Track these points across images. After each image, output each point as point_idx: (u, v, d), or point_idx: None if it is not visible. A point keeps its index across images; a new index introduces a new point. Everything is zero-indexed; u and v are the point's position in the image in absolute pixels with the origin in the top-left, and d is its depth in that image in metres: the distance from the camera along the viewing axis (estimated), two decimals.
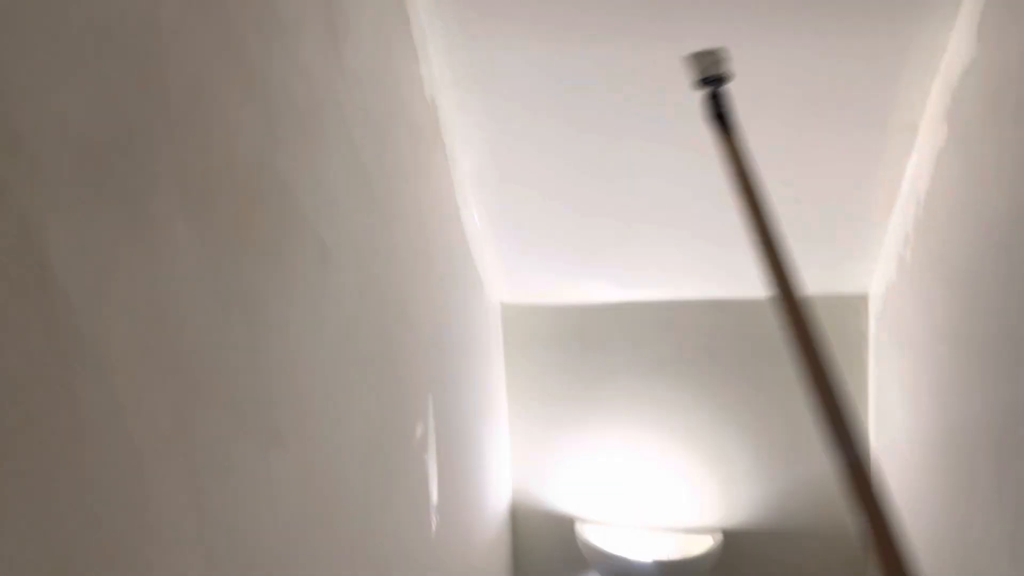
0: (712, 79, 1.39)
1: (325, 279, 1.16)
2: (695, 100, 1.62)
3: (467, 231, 2.13)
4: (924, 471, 1.87)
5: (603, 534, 2.52)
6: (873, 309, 2.31)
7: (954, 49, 1.59)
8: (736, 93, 1.81)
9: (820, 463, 2.45)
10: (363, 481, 1.30)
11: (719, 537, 2.47)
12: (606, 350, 2.56)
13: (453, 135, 1.94)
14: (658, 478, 2.55)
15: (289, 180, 1.06)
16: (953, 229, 1.64)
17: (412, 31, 1.63)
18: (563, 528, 2.65)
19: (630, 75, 1.78)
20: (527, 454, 2.67)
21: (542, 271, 2.46)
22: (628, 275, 2.42)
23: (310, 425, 1.09)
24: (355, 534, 1.27)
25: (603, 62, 1.76)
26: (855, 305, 2.36)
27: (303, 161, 1.11)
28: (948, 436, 1.71)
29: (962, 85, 1.56)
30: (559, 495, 2.66)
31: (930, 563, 1.85)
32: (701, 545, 2.43)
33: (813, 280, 2.33)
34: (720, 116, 1.36)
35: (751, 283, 2.39)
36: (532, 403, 2.65)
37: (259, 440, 0.96)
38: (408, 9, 1.61)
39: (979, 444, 1.52)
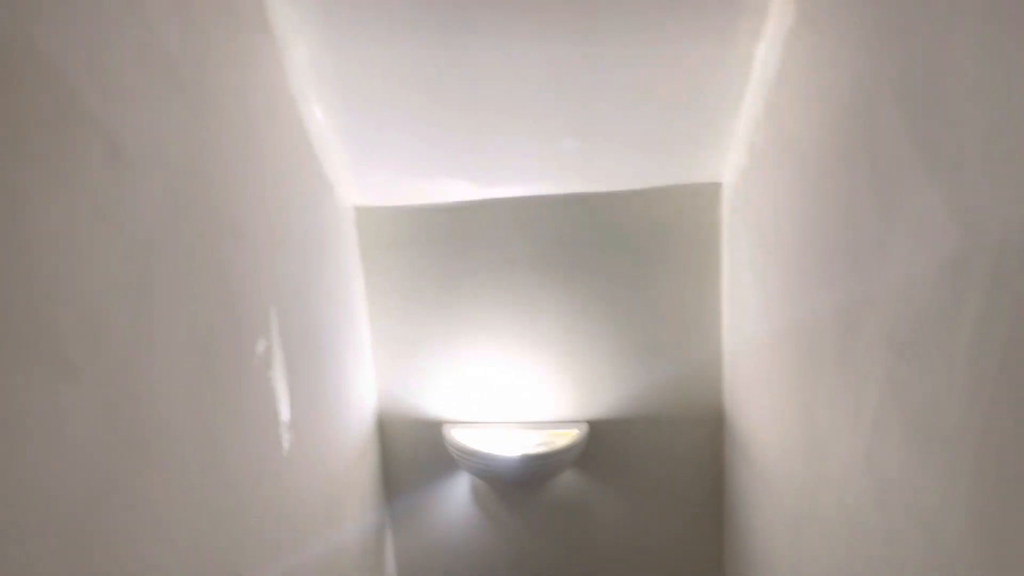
0: None
1: (117, 180, 1.00)
2: None
3: (308, 129, 1.96)
4: (776, 358, 1.94)
5: (471, 435, 2.51)
6: (726, 197, 2.33)
7: None
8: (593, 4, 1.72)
9: (678, 352, 2.52)
10: (191, 409, 1.18)
11: (584, 428, 2.52)
12: (467, 251, 2.49)
13: (282, 18, 1.74)
14: (524, 376, 2.55)
15: (58, 61, 0.89)
16: (801, 113, 1.63)
17: None
18: (432, 432, 2.62)
19: None
20: (392, 361, 2.60)
21: (396, 172, 2.32)
22: (485, 172, 2.32)
23: (111, 353, 0.96)
24: (187, 467, 1.16)
25: None
26: (709, 194, 2.38)
27: (76, 38, 0.93)
28: (797, 324, 1.75)
29: None
30: (426, 400, 2.62)
31: (782, 446, 1.94)
32: (566, 437, 2.47)
33: (667, 170, 2.33)
34: None
35: (609, 176, 2.36)
36: (394, 309, 2.56)
37: (42, 374, 0.83)
38: None
39: (824, 331, 1.56)
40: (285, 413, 1.63)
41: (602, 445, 2.59)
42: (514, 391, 2.56)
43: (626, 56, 1.91)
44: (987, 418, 0.99)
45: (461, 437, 2.50)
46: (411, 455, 2.68)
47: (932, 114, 1.09)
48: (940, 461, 1.11)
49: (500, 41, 1.85)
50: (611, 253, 2.45)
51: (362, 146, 2.20)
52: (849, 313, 1.42)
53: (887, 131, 1.22)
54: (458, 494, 2.70)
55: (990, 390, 0.98)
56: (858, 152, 1.34)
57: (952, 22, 1.02)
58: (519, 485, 2.58)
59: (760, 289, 2.03)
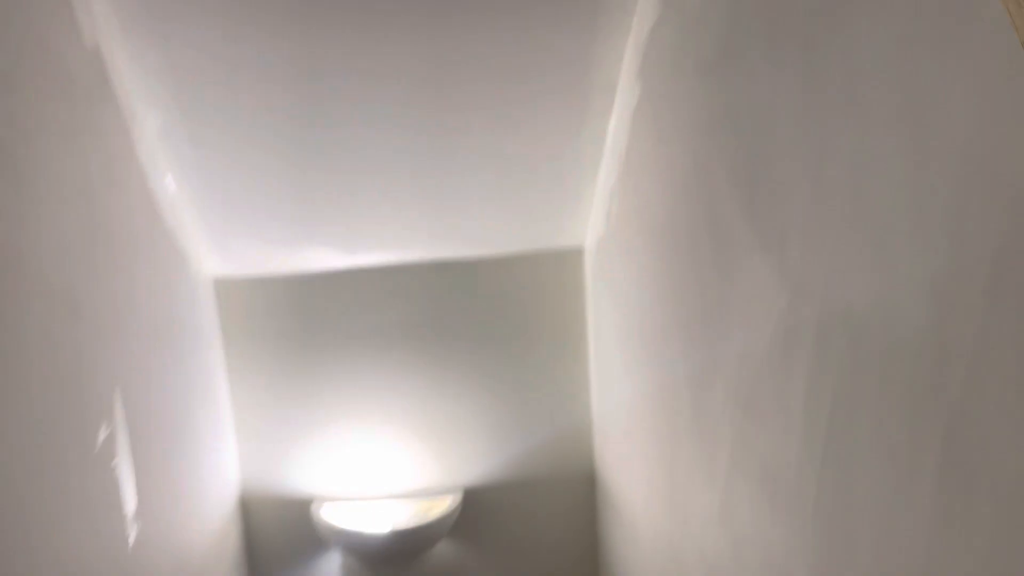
0: None
1: None
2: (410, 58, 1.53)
3: (159, 200, 1.88)
4: (640, 420, 1.99)
5: (341, 511, 2.42)
6: (588, 263, 2.41)
7: (642, 8, 1.65)
8: (443, 73, 1.76)
9: (550, 416, 2.54)
10: (23, 506, 1.08)
11: (458, 496, 2.48)
12: (333, 320, 2.44)
13: (130, 88, 1.69)
14: (396, 446, 2.50)
15: None
16: (649, 185, 1.72)
17: None
18: (300, 511, 2.51)
19: (339, 25, 1.65)
20: (256, 438, 2.49)
21: (258, 241, 2.26)
22: (349, 239, 2.30)
23: None
24: (14, 566, 1.06)
25: (307, 10, 1.61)
26: (573, 259, 2.45)
27: None
28: (657, 386, 1.81)
29: (650, 44, 1.62)
30: (294, 477, 2.51)
31: (648, 505, 1.98)
32: (440, 507, 2.42)
33: (532, 235, 2.39)
34: None
35: (474, 242, 2.39)
36: (257, 383, 2.46)
37: None
38: None
39: (680, 392, 1.62)
40: (131, 503, 1.52)
41: (477, 512, 2.56)
42: (386, 463, 2.50)
43: (488, 127, 1.96)
44: (820, 473, 1.05)
45: (330, 514, 2.40)
46: (278, 536, 2.55)
47: (759, 194, 1.17)
48: (784, 515, 1.16)
49: (361, 107, 1.86)
50: (480, 319, 2.47)
51: (221, 216, 2.14)
52: (702, 374, 1.48)
53: (724, 207, 1.30)
54: (329, 575, 2.59)
55: (821, 445, 1.04)
56: (700, 225, 1.42)
57: (774, 110, 1.11)
58: (392, 562, 2.50)
59: (622, 353, 2.10)
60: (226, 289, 2.38)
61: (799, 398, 1.09)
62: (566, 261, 2.45)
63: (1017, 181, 0.67)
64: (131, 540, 1.51)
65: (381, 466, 2.50)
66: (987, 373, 0.71)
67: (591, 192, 2.21)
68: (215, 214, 2.13)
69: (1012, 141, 0.67)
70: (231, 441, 2.43)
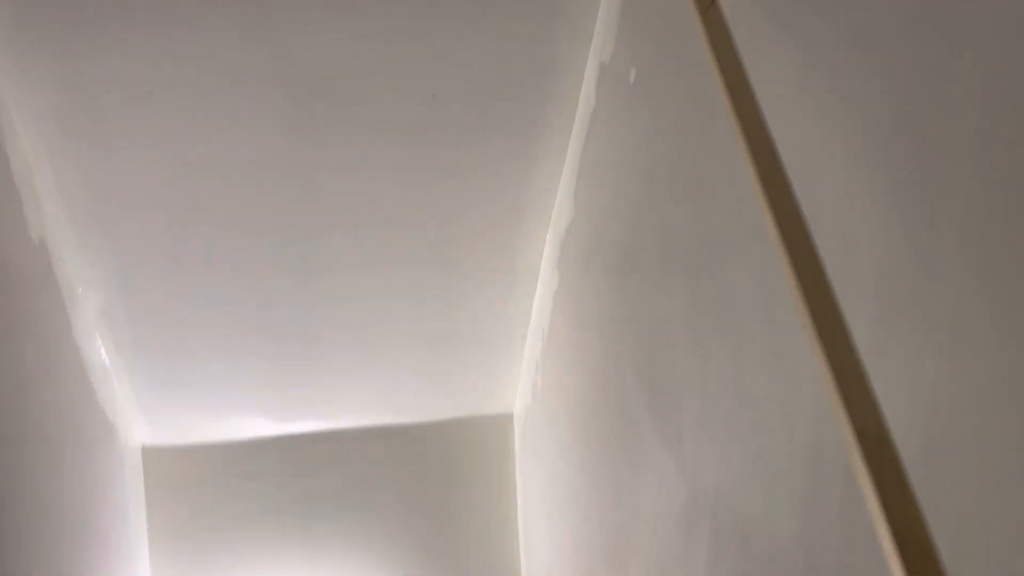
0: None
1: None
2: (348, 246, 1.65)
3: (92, 375, 1.91)
4: None
5: None
6: (517, 428, 2.48)
7: (559, 207, 1.82)
8: (378, 256, 1.89)
9: None
10: None
11: None
12: (264, 489, 2.43)
13: (73, 274, 1.76)
14: None
15: None
16: (569, 363, 1.84)
17: (11, 170, 1.46)
18: None
19: (270, 214, 1.77)
20: None
21: (188, 409, 2.28)
22: (281, 408, 2.34)
23: None
24: None
25: (240, 201, 1.73)
26: (502, 425, 2.52)
27: None
28: (578, 551, 1.86)
29: (567, 239, 1.78)
30: None
31: None
32: None
33: (464, 403, 2.47)
34: None
35: (407, 409, 2.45)
36: (182, 555, 2.40)
37: None
38: (6, 147, 1.44)
39: (597, 561, 1.67)
40: None
41: None
42: None
43: (421, 299, 2.08)
44: None
45: None
46: None
47: (660, 391, 1.28)
48: None
49: (293, 280, 1.96)
50: (411, 486, 2.49)
51: (152, 386, 2.16)
52: (616, 544, 1.54)
53: (632, 399, 1.41)
54: None
55: None
56: (613, 412, 1.53)
57: (666, 319, 1.25)
58: None
59: (548, 517, 2.14)
60: (154, 458, 2.37)
61: (700, 570, 1.16)
62: (496, 427, 2.52)
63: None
64: None
65: None
66: None
67: (519, 362, 2.32)
68: (147, 384, 2.16)
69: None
70: None
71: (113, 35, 1.37)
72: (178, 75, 1.45)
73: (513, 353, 2.30)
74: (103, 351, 1.98)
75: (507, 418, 2.52)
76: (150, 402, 2.21)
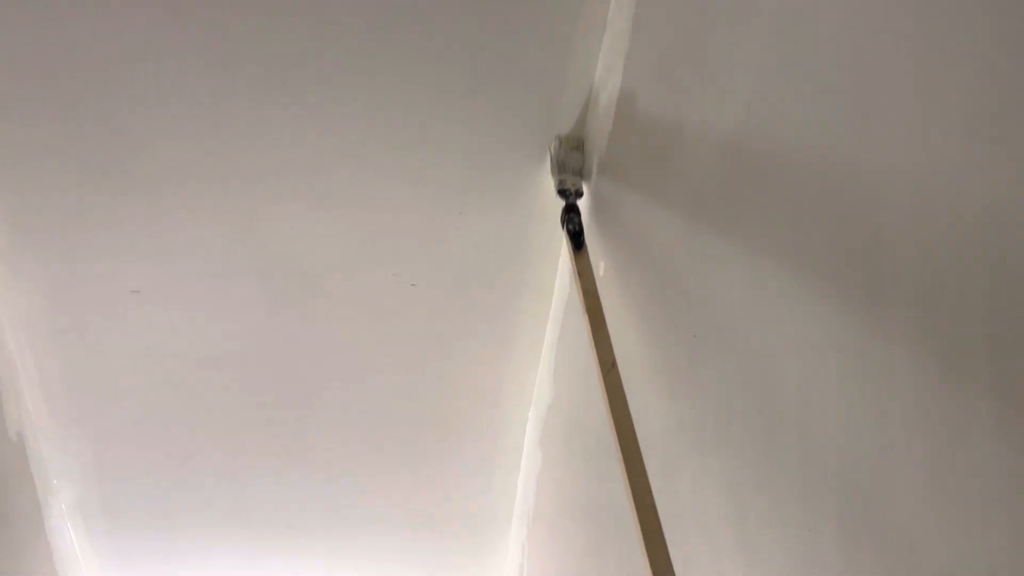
0: (575, 192, 1.38)
1: None
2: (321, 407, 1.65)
3: (60, 565, 1.85)
4: None
5: None
6: None
7: (540, 387, 1.83)
8: (372, 434, 1.89)
9: None
10: None
11: None
12: None
13: (49, 467, 1.74)
14: None
15: None
16: (554, 547, 1.79)
17: None
18: None
19: (250, 403, 1.78)
20: None
21: None
22: None
23: None
24: None
25: (220, 392, 1.74)
26: None
27: None
28: None
29: (548, 420, 1.78)
30: None
31: None
32: None
33: None
34: (577, 233, 1.33)
35: None
36: None
37: None
38: None
39: None
40: None
41: None
42: None
43: (404, 482, 2.04)
44: None
45: None
46: None
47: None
48: None
49: (274, 466, 1.93)
50: None
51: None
52: None
53: None
54: None
55: None
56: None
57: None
58: None
59: None
60: None
61: None
62: None
63: None
64: None
65: None
66: None
67: (505, 545, 2.25)
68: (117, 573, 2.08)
69: None
70: None
71: (101, 238, 1.43)
72: (164, 274, 1.50)
73: (498, 535, 2.23)
74: (75, 543, 1.92)
75: None
76: None
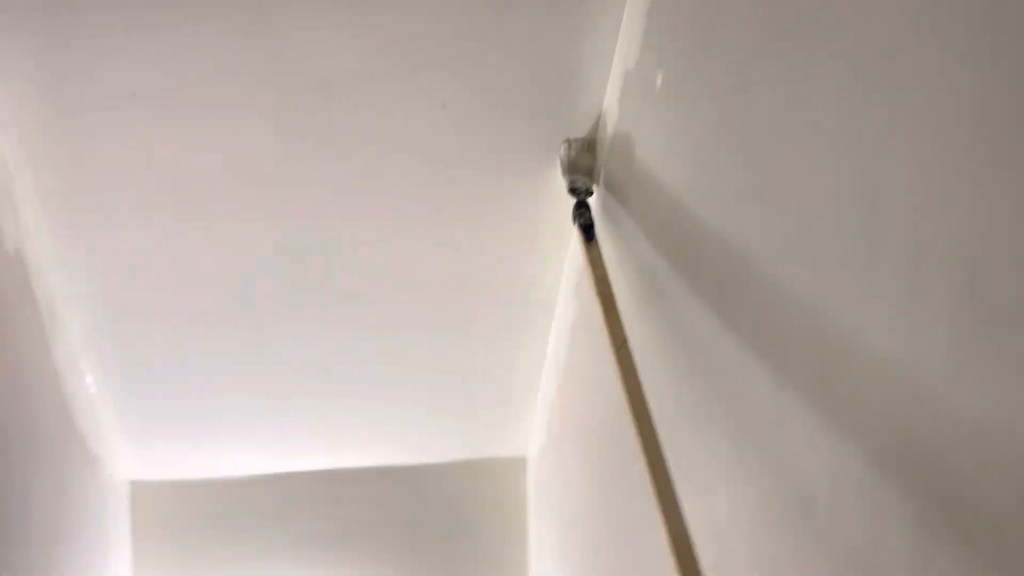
0: (585, 191, 1.46)
1: None
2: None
3: (73, 402, 1.79)
4: None
5: None
6: (531, 472, 2.31)
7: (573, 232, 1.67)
8: (384, 283, 1.75)
9: None
10: None
11: None
12: (260, 528, 2.28)
13: (55, 292, 1.64)
14: None
15: None
16: (586, 401, 1.68)
17: None
18: None
19: (271, 231, 1.64)
20: None
21: (179, 443, 2.15)
22: (281, 443, 2.19)
23: None
24: None
25: (237, 212, 1.61)
26: (515, 467, 2.35)
27: None
28: None
29: (585, 268, 1.63)
30: None
31: None
32: None
33: (473, 443, 2.30)
34: (588, 227, 1.42)
35: (414, 449, 2.29)
36: None
37: None
38: None
39: None
40: None
41: None
42: None
43: (430, 339, 1.93)
44: None
45: None
46: None
47: (685, 439, 1.12)
48: None
49: (298, 307, 1.82)
50: (418, 530, 2.32)
51: (141, 416, 2.03)
52: None
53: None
54: None
55: None
56: (629, 456, 1.36)
57: (694, 351, 1.09)
58: None
59: (560, 560, 1.97)
60: (143, 493, 2.23)
61: None
62: (509, 469, 2.35)
63: None
64: None
65: None
66: None
67: (533, 402, 2.16)
68: (135, 415, 2.02)
69: None
70: None
71: (94, 29, 1.26)
72: (164, 76, 1.33)
73: (527, 393, 2.14)
74: (88, 377, 1.85)
75: (521, 460, 2.35)
76: (139, 434, 2.08)
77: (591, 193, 1.49)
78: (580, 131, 1.49)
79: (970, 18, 0.55)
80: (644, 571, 1.31)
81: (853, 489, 0.70)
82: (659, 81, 1.20)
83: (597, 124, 1.47)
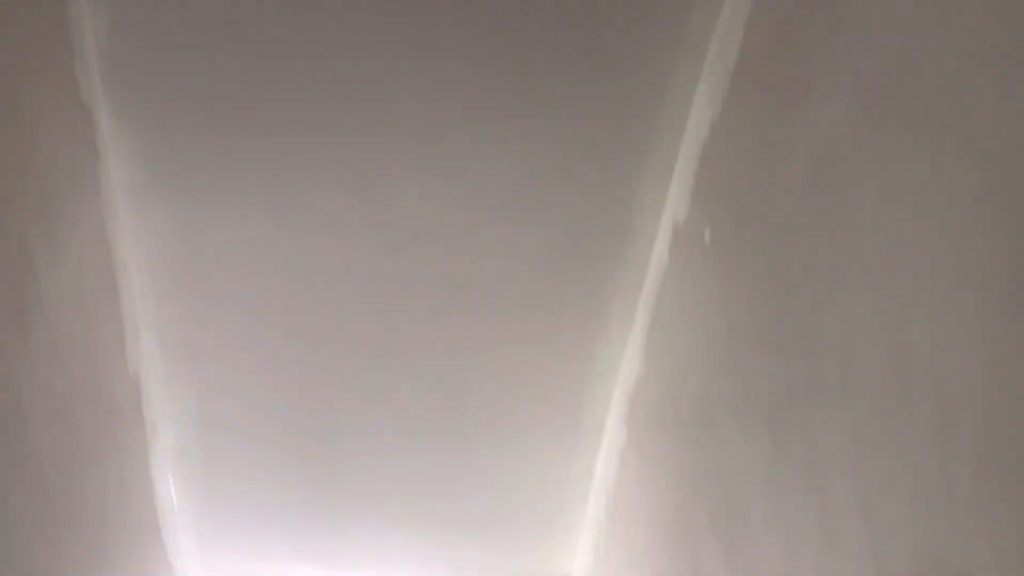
0: None
1: None
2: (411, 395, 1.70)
3: (160, 510, 1.93)
4: None
5: None
6: None
7: (628, 362, 1.84)
8: (446, 406, 1.93)
9: None
10: None
11: None
12: None
13: (156, 410, 1.82)
14: None
15: None
16: (637, 524, 1.79)
17: (121, 305, 1.57)
18: None
19: (349, 365, 1.84)
20: None
21: (246, 556, 2.26)
22: (335, 556, 2.30)
23: None
24: None
25: (324, 360, 1.80)
26: None
27: None
28: None
29: (636, 395, 1.79)
30: None
31: None
32: None
33: (522, 563, 2.39)
34: None
35: (464, 567, 2.38)
36: None
37: None
38: (119, 281, 1.56)
39: None
40: None
41: None
42: None
43: (482, 452, 2.07)
44: None
45: None
46: None
47: (738, 554, 1.25)
48: None
49: (365, 434, 1.99)
50: None
51: (215, 529, 2.16)
52: None
53: (705, 558, 1.37)
54: None
55: None
56: (685, 571, 1.47)
57: (743, 476, 1.23)
58: None
59: None
60: None
61: None
62: None
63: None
64: None
65: None
66: None
67: (579, 524, 2.26)
68: (210, 527, 2.16)
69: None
70: None
71: (228, 184, 1.51)
72: (279, 227, 1.57)
73: (573, 513, 2.25)
74: (172, 489, 2.01)
75: None
76: (210, 547, 2.20)
77: None
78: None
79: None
80: None
81: None
82: (707, 236, 1.40)
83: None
